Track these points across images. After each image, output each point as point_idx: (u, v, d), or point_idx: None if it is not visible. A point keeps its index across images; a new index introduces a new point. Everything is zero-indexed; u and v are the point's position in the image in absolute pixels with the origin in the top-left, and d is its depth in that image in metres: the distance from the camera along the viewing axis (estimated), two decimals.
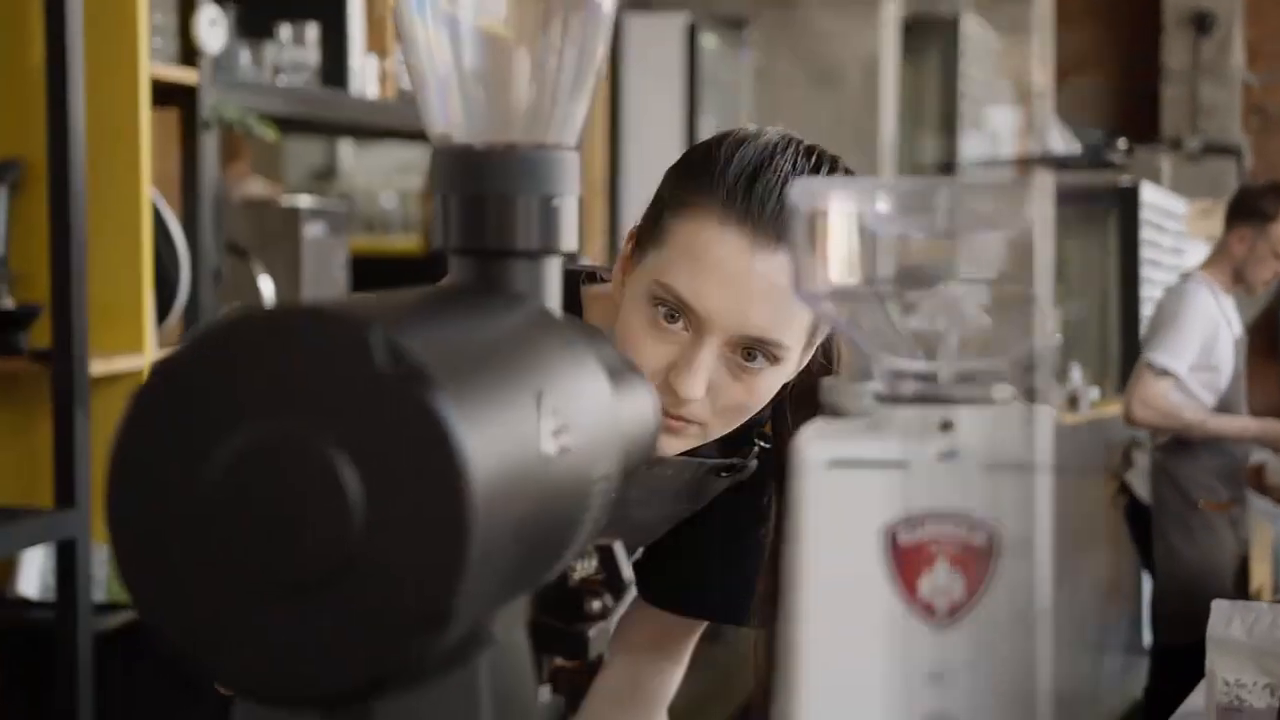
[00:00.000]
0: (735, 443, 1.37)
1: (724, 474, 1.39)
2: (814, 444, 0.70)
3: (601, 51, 0.85)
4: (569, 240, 0.83)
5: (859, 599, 0.68)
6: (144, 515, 0.63)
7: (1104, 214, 7.21)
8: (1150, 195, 7.31)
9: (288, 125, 3.26)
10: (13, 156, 2.52)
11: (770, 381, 1.26)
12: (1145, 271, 7.24)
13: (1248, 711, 1.83)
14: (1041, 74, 5.79)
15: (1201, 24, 9.59)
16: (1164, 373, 4.28)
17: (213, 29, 2.71)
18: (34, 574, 2.67)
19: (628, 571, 0.89)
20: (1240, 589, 4.51)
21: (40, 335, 2.49)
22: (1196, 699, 2.05)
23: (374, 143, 5.47)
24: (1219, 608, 1.88)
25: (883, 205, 0.71)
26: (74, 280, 2.40)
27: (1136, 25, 9.73)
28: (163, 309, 2.66)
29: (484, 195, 0.82)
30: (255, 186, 3.98)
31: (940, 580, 0.68)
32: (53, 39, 2.43)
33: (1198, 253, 8.51)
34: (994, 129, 8.00)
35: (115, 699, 2.52)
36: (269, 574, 0.62)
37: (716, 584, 1.45)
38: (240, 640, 0.62)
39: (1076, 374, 6.63)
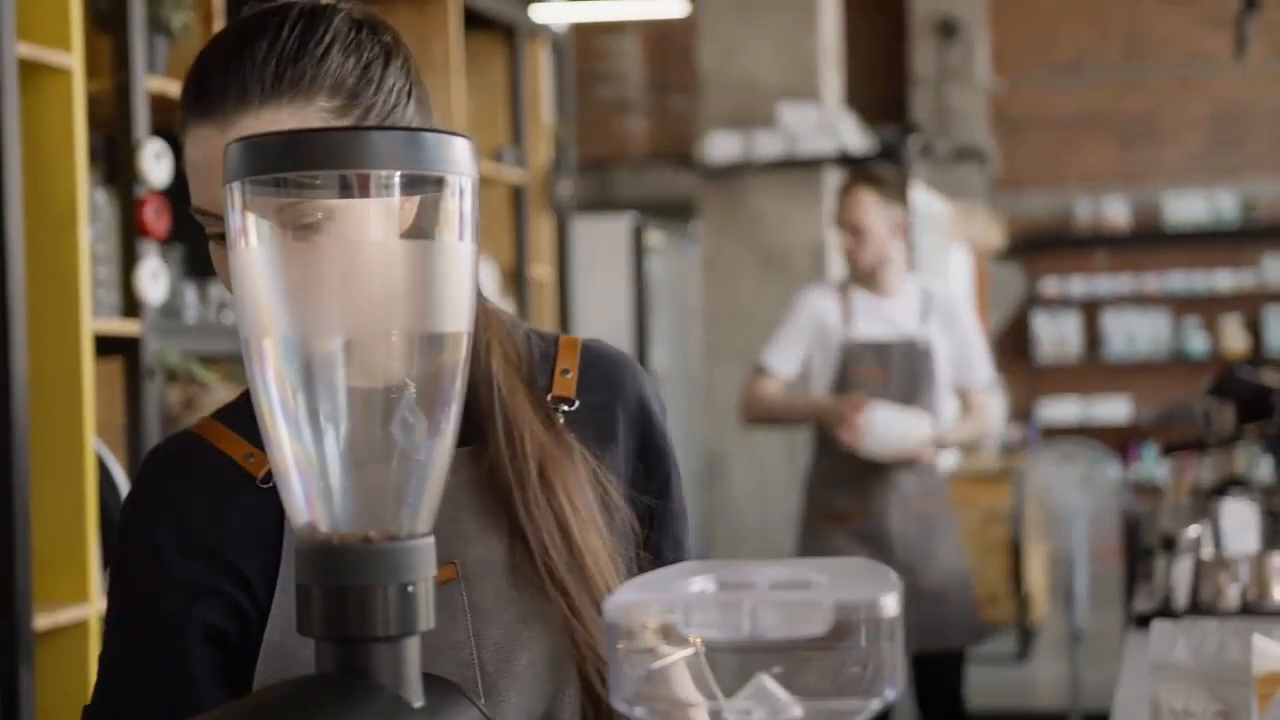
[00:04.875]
0: None
1: None
2: None
3: (449, 449, 0.92)
4: (426, 620, 0.90)
5: None
6: None
7: None
8: (919, 199, 7.46)
9: (239, 352, 3.34)
10: None
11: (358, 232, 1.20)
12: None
13: None
14: (831, 72, 5.89)
15: (947, 31, 9.87)
16: (761, 370, 4.19)
17: (154, 281, 2.80)
18: None
19: None
20: None
21: None
22: None
23: None
24: (1160, 629, 1.73)
25: (694, 616, 0.78)
26: (18, 539, 2.45)
27: (881, 30, 10.04)
28: (108, 555, 2.71)
29: (344, 587, 0.88)
30: (222, 395, 4.01)
31: None
32: None
33: (960, 254, 8.72)
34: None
35: None
36: None
37: None
38: None
39: None
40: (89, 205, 2.71)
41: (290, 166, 0.88)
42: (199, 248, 3.13)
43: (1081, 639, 5.91)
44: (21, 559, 2.48)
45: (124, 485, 2.71)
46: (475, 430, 1.28)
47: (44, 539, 2.59)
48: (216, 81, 1.19)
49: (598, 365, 1.36)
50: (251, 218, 0.89)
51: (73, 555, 2.62)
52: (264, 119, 1.19)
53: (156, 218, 2.80)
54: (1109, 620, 6.40)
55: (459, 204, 0.91)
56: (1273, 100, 10.39)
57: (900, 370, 4.12)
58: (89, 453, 2.62)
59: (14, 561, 2.46)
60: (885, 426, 4.02)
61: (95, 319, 2.70)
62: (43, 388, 2.60)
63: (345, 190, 0.90)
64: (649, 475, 1.36)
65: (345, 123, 1.22)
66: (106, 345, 2.77)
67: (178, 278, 3.06)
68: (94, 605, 2.65)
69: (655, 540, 1.35)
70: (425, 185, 0.90)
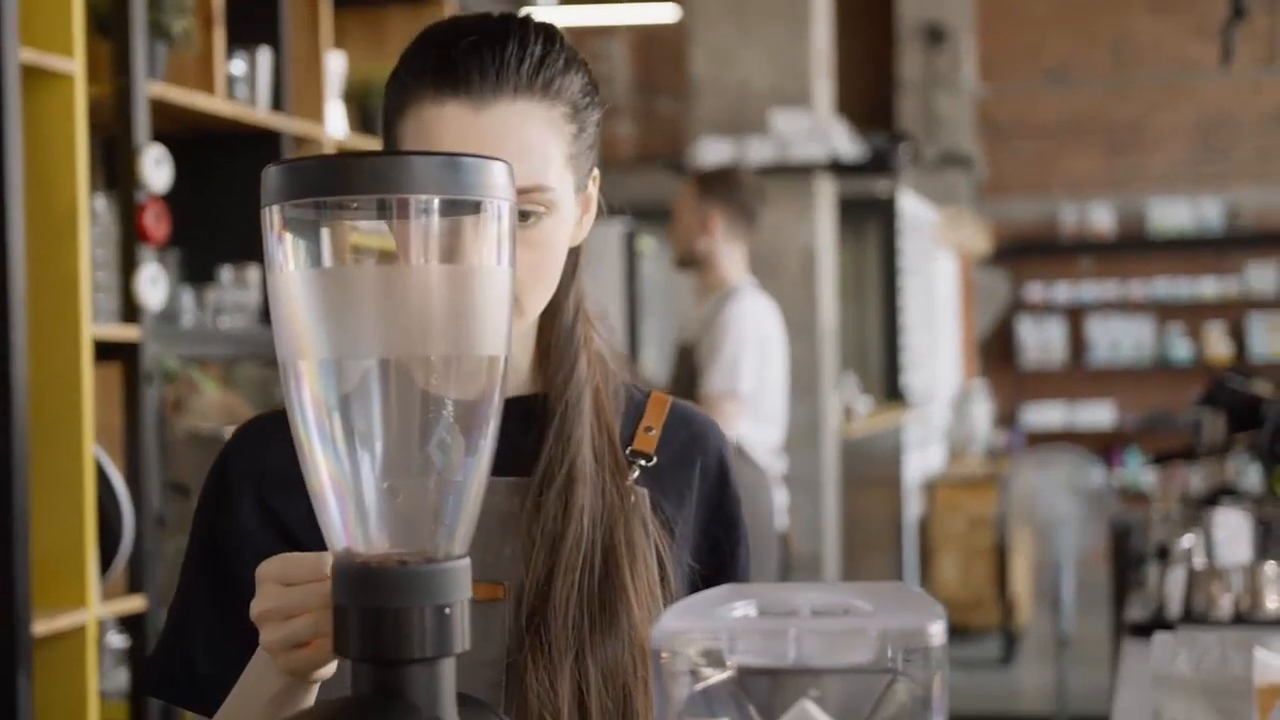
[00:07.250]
0: None
1: None
2: None
3: (486, 470, 0.92)
4: (462, 641, 0.90)
5: None
6: None
7: (861, 223, 7.34)
8: (907, 205, 7.49)
9: (235, 356, 3.33)
10: None
11: (554, 233, 1.26)
12: (900, 280, 7.42)
13: None
14: (823, 79, 5.90)
15: (934, 37, 9.89)
16: None
17: (154, 286, 2.79)
18: None
19: None
20: None
21: None
22: None
23: None
24: (1162, 640, 1.74)
25: (738, 644, 0.78)
26: (16, 544, 2.45)
27: (869, 36, 10.05)
28: (106, 560, 2.71)
29: (380, 609, 0.88)
30: (212, 395, 3.99)
31: None
32: None
33: (946, 260, 8.74)
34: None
35: None
36: None
37: None
38: None
39: (851, 384, 6.66)
40: (89, 210, 2.70)
41: (330, 190, 0.88)
42: (197, 252, 3.13)
43: (1068, 644, 5.93)
44: (20, 564, 2.47)
45: (122, 490, 2.70)
46: (530, 461, 1.28)
47: (43, 544, 2.58)
48: (472, 65, 1.21)
49: (684, 425, 1.37)
50: (290, 240, 0.89)
51: (72, 561, 2.62)
52: (517, 108, 1.21)
53: (156, 223, 2.79)
54: (1094, 626, 6.42)
55: (497, 228, 0.91)
56: (1258, 109, 10.43)
57: (677, 369, 4.29)
58: (88, 458, 2.62)
59: (13, 566, 2.46)
60: None
61: (95, 324, 2.69)
62: (42, 393, 2.59)
63: (384, 214, 0.90)
64: (717, 540, 1.36)
65: (571, 130, 1.25)
66: (105, 350, 2.76)
67: (175, 282, 3.05)
68: (92, 611, 2.65)
69: None
70: (463, 209, 0.90)
